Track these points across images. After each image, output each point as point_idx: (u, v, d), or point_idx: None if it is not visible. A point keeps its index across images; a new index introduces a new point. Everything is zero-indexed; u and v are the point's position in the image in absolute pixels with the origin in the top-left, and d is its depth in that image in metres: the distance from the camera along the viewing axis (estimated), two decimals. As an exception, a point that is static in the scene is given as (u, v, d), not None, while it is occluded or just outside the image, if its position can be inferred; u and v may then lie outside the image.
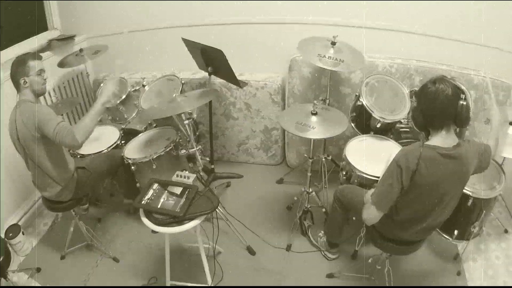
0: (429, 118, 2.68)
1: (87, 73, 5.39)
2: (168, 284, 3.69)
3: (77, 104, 5.30)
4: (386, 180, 2.78)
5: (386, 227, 3.10)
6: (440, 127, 2.66)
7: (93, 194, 4.79)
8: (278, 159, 5.70)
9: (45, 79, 3.49)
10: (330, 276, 3.91)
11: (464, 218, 3.66)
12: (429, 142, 2.69)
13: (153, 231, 3.13)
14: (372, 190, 2.96)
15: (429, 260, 4.06)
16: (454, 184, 2.79)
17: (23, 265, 4.16)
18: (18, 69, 3.33)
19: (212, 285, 3.65)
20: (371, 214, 2.89)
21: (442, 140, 2.66)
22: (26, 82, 3.33)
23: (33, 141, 3.33)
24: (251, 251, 4.21)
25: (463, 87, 3.21)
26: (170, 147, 4.01)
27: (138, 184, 4.25)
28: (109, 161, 4.17)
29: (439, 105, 2.57)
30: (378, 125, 4.05)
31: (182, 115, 3.83)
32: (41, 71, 3.43)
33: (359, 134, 4.22)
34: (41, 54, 3.89)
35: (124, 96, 4.61)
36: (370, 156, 3.80)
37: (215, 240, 3.62)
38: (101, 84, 4.86)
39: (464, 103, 2.56)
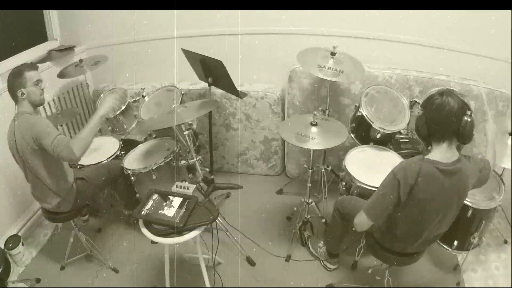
0: (432, 129, 2.66)
1: (87, 83, 5.39)
2: (167, 295, 3.68)
3: (77, 114, 5.30)
4: (381, 190, 2.79)
5: (387, 240, 3.11)
6: (441, 140, 2.65)
7: (93, 205, 4.78)
8: (278, 170, 5.69)
9: (42, 89, 3.47)
10: (330, 286, 3.90)
11: (464, 228, 3.66)
12: (429, 156, 2.68)
13: (153, 242, 3.12)
14: None
15: (429, 271, 4.05)
16: (452, 200, 2.79)
17: (23, 276, 4.15)
18: (15, 81, 3.32)
19: (211, 296, 3.64)
20: (361, 220, 2.91)
21: (442, 154, 2.66)
22: (24, 94, 3.33)
23: (31, 153, 3.32)
24: (250, 262, 4.20)
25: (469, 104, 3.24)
26: (170, 158, 4.01)
27: (137, 195, 4.25)
28: (108, 171, 4.16)
29: (444, 117, 2.57)
30: (378, 136, 4.05)
31: (182, 125, 3.84)
32: (38, 81, 3.42)
33: (359, 145, 4.22)
34: (40, 64, 3.89)
35: (123, 107, 4.61)
36: (370, 167, 3.81)
37: (214, 250, 3.61)
38: (101, 96, 4.87)
39: (469, 119, 2.54)
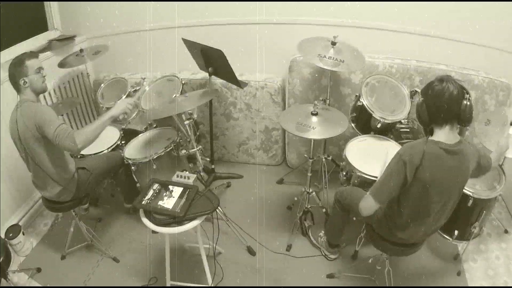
0: (433, 114, 2.70)
1: (87, 73, 5.39)
2: (168, 285, 3.68)
3: (78, 104, 5.29)
4: (387, 172, 2.81)
5: (385, 229, 3.11)
6: (444, 124, 2.69)
7: (94, 194, 4.79)
8: (279, 160, 5.70)
9: (44, 76, 3.47)
10: (330, 276, 3.91)
11: (464, 218, 3.67)
12: (433, 138, 2.72)
13: (153, 231, 3.13)
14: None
15: (429, 261, 4.06)
16: (455, 181, 2.81)
17: (24, 265, 4.16)
18: (16, 70, 3.32)
19: (212, 285, 3.66)
20: (368, 204, 2.92)
21: (445, 136, 2.69)
22: (26, 82, 3.32)
23: (34, 141, 3.33)
24: (251, 251, 4.20)
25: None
26: (171, 148, 4.02)
27: (138, 185, 4.25)
28: (109, 162, 4.17)
29: (444, 102, 2.61)
30: (378, 125, 4.05)
31: (183, 115, 3.84)
32: (39, 69, 3.42)
33: (359, 134, 4.22)
34: (41, 54, 3.89)
35: (124, 96, 4.62)
36: (370, 156, 3.81)
37: (215, 240, 3.61)
38: (102, 85, 4.89)
39: (468, 103, 2.61)
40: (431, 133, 2.78)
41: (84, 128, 3.37)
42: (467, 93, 2.64)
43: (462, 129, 3.93)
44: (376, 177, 2.98)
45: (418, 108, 2.80)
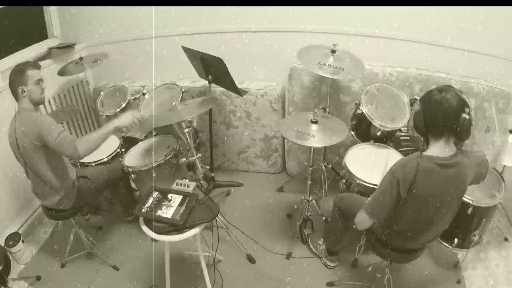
0: (430, 125, 2.67)
1: (87, 81, 5.39)
2: (168, 292, 3.68)
3: (77, 112, 5.30)
4: (380, 189, 2.81)
5: (388, 237, 3.10)
6: (439, 136, 2.67)
7: (94, 203, 4.79)
8: (278, 168, 5.70)
9: (43, 89, 3.49)
10: (330, 284, 3.91)
11: (464, 226, 3.67)
12: (427, 152, 2.70)
13: (153, 240, 3.13)
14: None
15: (429, 268, 4.05)
16: (452, 194, 2.79)
17: (23, 274, 4.16)
18: (17, 78, 3.33)
19: (212, 294, 3.65)
20: (362, 218, 2.94)
21: (440, 149, 2.67)
22: (24, 92, 3.33)
23: (33, 150, 3.33)
24: (251, 259, 4.20)
25: (468, 102, 3.26)
26: (170, 156, 4.02)
27: (137, 193, 4.25)
28: (110, 172, 4.18)
29: (442, 113, 2.57)
30: (378, 133, 4.05)
31: (182, 123, 3.85)
32: (39, 81, 3.43)
33: (359, 142, 4.22)
34: (41, 62, 3.89)
35: (124, 104, 4.63)
36: (370, 164, 3.81)
37: (215, 248, 3.61)
38: (102, 93, 4.91)
39: (467, 117, 2.55)
40: (427, 144, 2.77)
41: (86, 135, 3.38)
42: (467, 106, 2.59)
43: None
44: (376, 185, 2.98)
45: (415, 117, 2.77)
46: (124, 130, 3.61)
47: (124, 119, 3.51)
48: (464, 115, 2.55)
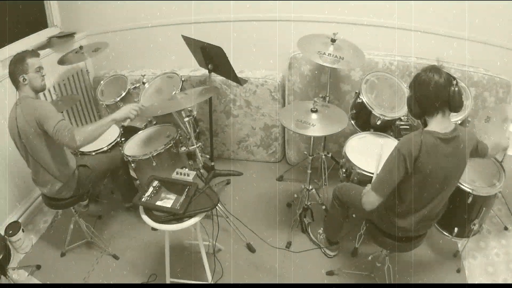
0: (423, 104, 2.75)
1: (87, 70, 5.37)
2: (168, 282, 3.69)
3: (77, 101, 5.27)
4: (387, 167, 2.85)
5: (386, 222, 3.12)
6: (435, 112, 2.73)
7: (93, 191, 4.79)
8: (278, 157, 5.69)
9: (43, 76, 3.50)
10: (330, 273, 3.91)
11: (464, 215, 3.65)
12: (428, 128, 2.76)
13: (153, 229, 3.12)
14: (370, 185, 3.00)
15: (429, 257, 4.06)
16: (454, 168, 2.84)
17: (23, 263, 4.17)
18: (17, 67, 3.34)
19: (212, 283, 3.66)
20: (370, 198, 2.95)
21: (439, 124, 2.74)
22: (26, 80, 3.34)
23: (34, 138, 3.35)
24: (251, 249, 4.21)
25: (462, 84, 3.28)
26: (170, 145, 4.01)
27: (137, 182, 4.25)
28: (110, 161, 4.20)
29: (432, 90, 2.66)
30: (378, 122, 4.05)
31: (182, 112, 3.84)
32: (39, 68, 3.45)
33: (359, 132, 4.22)
34: (40, 51, 3.90)
35: (124, 93, 4.62)
36: (370, 153, 3.81)
37: (215, 237, 3.61)
38: (102, 82, 4.91)
39: (456, 88, 2.65)
40: (425, 125, 2.82)
41: (85, 126, 3.40)
42: (454, 78, 2.68)
43: (462, 123, 3.95)
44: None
45: (408, 102, 2.87)
46: (122, 122, 3.61)
47: (122, 111, 3.54)
48: (453, 87, 2.65)
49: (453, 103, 2.67)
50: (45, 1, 5.26)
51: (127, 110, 3.54)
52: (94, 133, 3.37)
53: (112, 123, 3.49)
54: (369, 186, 3.01)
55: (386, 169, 2.85)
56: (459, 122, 3.89)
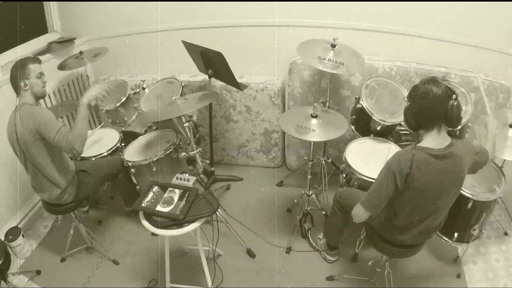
0: (419, 118, 2.72)
1: (87, 75, 5.37)
2: (168, 287, 3.68)
3: (77, 106, 5.28)
4: (376, 182, 2.84)
5: (386, 230, 3.11)
6: (431, 127, 2.70)
7: (93, 197, 4.79)
8: (278, 162, 5.69)
9: (44, 82, 3.51)
10: (330, 278, 3.91)
11: (464, 220, 3.67)
12: (421, 144, 2.73)
13: (153, 234, 3.13)
14: None
15: (429, 263, 4.06)
16: (449, 184, 2.81)
17: (23, 268, 4.17)
18: (18, 72, 3.35)
19: (212, 288, 3.65)
20: (358, 212, 2.96)
21: (433, 140, 2.70)
22: (26, 85, 3.35)
23: (33, 144, 3.35)
24: (251, 254, 4.20)
25: (462, 89, 3.26)
26: (170, 150, 4.01)
27: (138, 187, 4.25)
28: (109, 166, 4.20)
29: (429, 104, 2.62)
30: (378, 128, 4.05)
31: (182, 117, 3.84)
32: (41, 74, 3.46)
33: (359, 137, 4.22)
34: (41, 56, 3.91)
35: (124, 99, 4.62)
36: (370, 159, 3.81)
37: (215, 242, 3.61)
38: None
39: (455, 103, 2.60)
40: (420, 139, 2.80)
41: (73, 130, 3.36)
42: (454, 93, 2.63)
43: (462, 131, 3.95)
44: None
45: (405, 113, 2.82)
46: (93, 104, 3.58)
47: (88, 94, 3.53)
48: (451, 102, 2.59)
49: (451, 118, 2.63)
50: (45, 6, 5.27)
51: (95, 91, 3.55)
52: (82, 128, 3.39)
53: (86, 108, 3.48)
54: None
55: (376, 184, 2.84)
56: (459, 127, 3.89)
